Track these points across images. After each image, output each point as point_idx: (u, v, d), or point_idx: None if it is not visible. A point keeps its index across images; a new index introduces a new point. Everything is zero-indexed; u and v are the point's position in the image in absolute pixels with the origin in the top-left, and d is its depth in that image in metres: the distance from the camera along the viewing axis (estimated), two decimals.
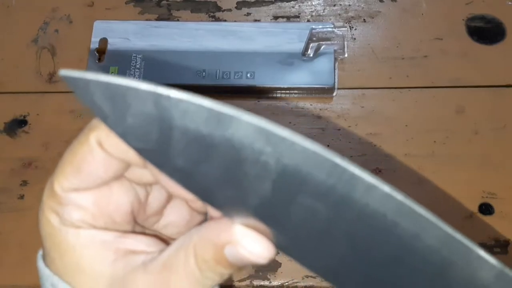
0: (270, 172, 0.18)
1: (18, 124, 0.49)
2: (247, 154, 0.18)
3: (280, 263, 0.44)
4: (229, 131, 0.17)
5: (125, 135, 0.19)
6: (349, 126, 0.47)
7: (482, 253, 0.20)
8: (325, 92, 0.47)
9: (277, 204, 0.19)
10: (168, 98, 0.17)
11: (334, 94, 0.48)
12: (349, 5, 0.52)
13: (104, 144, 0.22)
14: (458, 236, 0.19)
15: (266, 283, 0.43)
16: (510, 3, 0.51)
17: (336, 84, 0.48)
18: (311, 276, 0.43)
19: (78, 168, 0.22)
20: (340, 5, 0.52)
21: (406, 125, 0.47)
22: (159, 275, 0.22)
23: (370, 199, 0.18)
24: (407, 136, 0.46)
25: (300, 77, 0.47)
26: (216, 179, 0.19)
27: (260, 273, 0.43)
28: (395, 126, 0.47)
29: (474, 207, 0.44)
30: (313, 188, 0.18)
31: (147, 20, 0.52)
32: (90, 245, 0.23)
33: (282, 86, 0.47)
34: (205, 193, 0.20)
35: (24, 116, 0.49)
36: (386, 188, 0.18)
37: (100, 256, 0.23)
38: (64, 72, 0.18)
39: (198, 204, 0.26)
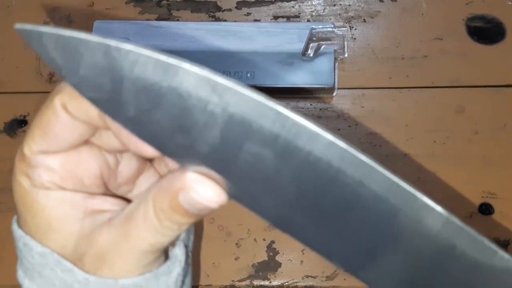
0: (217, 121, 0.18)
1: (18, 124, 0.49)
2: (194, 103, 0.18)
3: (280, 263, 0.44)
4: (176, 80, 0.18)
5: (79, 85, 0.19)
6: (349, 126, 0.47)
7: (427, 200, 0.20)
8: (325, 92, 0.47)
9: (226, 151, 0.19)
10: (118, 49, 0.18)
11: (334, 94, 0.48)
12: (349, 5, 0.52)
13: (68, 106, 0.22)
14: (403, 183, 0.20)
15: (266, 283, 0.43)
16: (510, 3, 0.51)
17: (336, 84, 0.48)
18: (311, 276, 0.43)
19: (44, 130, 0.23)
20: (340, 5, 0.52)
21: (406, 125, 0.47)
22: (122, 227, 0.23)
23: (314, 146, 0.19)
24: (407, 136, 0.46)
25: (300, 77, 0.47)
26: (166, 128, 0.19)
27: (260, 273, 0.44)
28: (395, 126, 0.47)
29: (474, 207, 0.44)
30: (259, 136, 0.19)
31: (147, 20, 0.52)
32: (60, 205, 0.24)
33: (282, 86, 0.47)
34: (157, 142, 0.20)
35: (24, 116, 0.49)
36: (329, 136, 0.19)
37: (69, 215, 0.24)
38: (19, 25, 0.18)
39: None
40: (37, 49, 0.19)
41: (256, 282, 0.43)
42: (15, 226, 0.26)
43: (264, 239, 0.44)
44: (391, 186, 0.20)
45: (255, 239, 0.44)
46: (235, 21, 0.51)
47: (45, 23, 0.52)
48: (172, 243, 0.26)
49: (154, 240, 0.23)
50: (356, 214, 0.20)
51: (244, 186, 0.21)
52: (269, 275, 0.43)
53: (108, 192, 0.26)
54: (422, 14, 0.51)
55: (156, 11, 0.52)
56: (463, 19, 0.50)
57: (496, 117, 0.47)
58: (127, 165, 0.26)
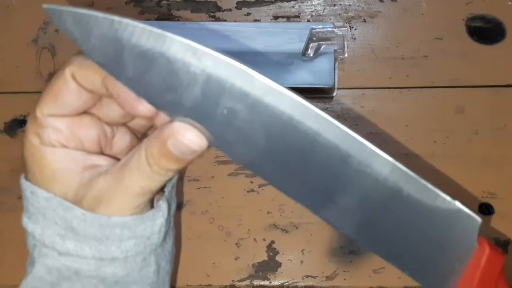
0: (198, 80, 0.23)
1: (18, 124, 0.49)
2: (180, 66, 0.23)
3: (280, 263, 0.44)
4: (164, 47, 0.23)
5: (90, 52, 0.24)
6: (349, 126, 0.47)
7: (375, 148, 0.25)
8: (325, 92, 0.47)
9: (206, 106, 0.24)
10: (119, 23, 0.24)
11: (334, 94, 0.48)
12: (349, 5, 0.52)
13: (76, 76, 0.27)
14: (353, 133, 0.25)
15: (266, 283, 0.43)
16: (510, 3, 0.51)
17: (336, 84, 0.48)
18: (311, 276, 0.43)
19: (55, 96, 0.28)
20: (340, 5, 0.52)
21: (406, 125, 0.47)
22: (117, 173, 0.28)
23: (278, 103, 0.24)
24: (407, 136, 0.46)
25: (300, 77, 0.47)
26: (158, 86, 0.24)
27: (260, 273, 0.44)
28: (395, 126, 0.47)
29: (474, 207, 0.44)
30: (232, 93, 0.23)
31: (147, 20, 0.52)
32: (63, 160, 0.28)
33: (282, 86, 0.47)
34: (151, 98, 0.25)
35: (24, 116, 0.49)
36: (290, 93, 0.24)
37: (70, 168, 0.28)
38: (46, 6, 0.24)
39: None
40: (58, 24, 0.24)
41: (256, 282, 0.43)
42: (22, 180, 0.30)
43: (264, 239, 0.44)
44: (342, 136, 0.24)
45: (255, 239, 0.44)
46: (235, 21, 0.51)
47: (45, 22, 0.52)
48: (158, 197, 0.31)
49: (144, 184, 0.27)
50: (314, 160, 0.24)
51: (221, 135, 0.25)
52: (269, 275, 0.43)
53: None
54: (422, 14, 0.51)
55: (156, 11, 0.52)
56: (463, 19, 0.50)
57: (496, 117, 0.47)
58: (121, 139, 0.31)
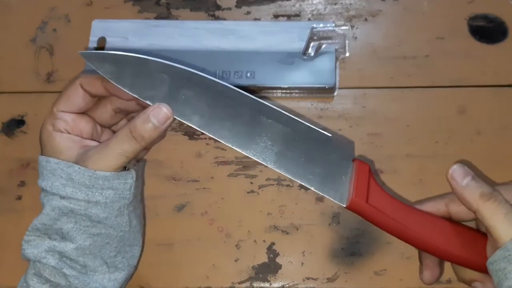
0: (165, 81, 0.38)
1: (16, 124, 0.49)
2: (155, 73, 0.38)
3: (281, 265, 0.43)
4: (146, 64, 0.38)
5: (105, 73, 0.38)
6: (350, 126, 0.47)
7: (277, 109, 0.38)
8: (326, 91, 0.47)
9: (172, 95, 0.38)
10: (120, 55, 0.39)
11: (335, 93, 0.47)
12: (351, 4, 0.51)
13: (83, 85, 0.40)
14: (262, 101, 0.38)
15: (266, 285, 0.43)
16: None
17: (337, 83, 0.47)
18: (311, 278, 0.43)
19: (67, 98, 0.41)
20: (341, 3, 0.51)
21: (408, 125, 0.46)
22: (105, 142, 0.40)
23: (212, 86, 0.38)
24: (408, 136, 0.46)
25: (300, 76, 0.46)
26: (144, 87, 0.39)
27: (260, 275, 0.43)
28: (396, 126, 0.46)
29: None
30: (184, 86, 0.38)
31: (146, 19, 0.51)
32: (67, 141, 0.40)
33: (282, 85, 0.47)
34: (140, 94, 0.38)
35: (22, 116, 0.49)
36: (218, 81, 0.38)
37: (72, 146, 0.40)
38: (81, 52, 0.39)
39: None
40: (89, 62, 0.39)
41: (256, 284, 0.43)
42: (40, 156, 0.41)
43: (264, 241, 0.44)
44: (255, 103, 0.38)
45: (255, 241, 0.44)
46: (235, 20, 0.51)
47: (44, 22, 0.52)
48: (128, 167, 0.41)
49: (124, 147, 0.38)
50: (238, 117, 0.38)
51: (182, 111, 0.38)
52: (269, 277, 0.43)
53: None
54: (424, 13, 0.50)
55: (155, 10, 0.52)
56: (465, 18, 0.50)
57: (498, 117, 0.46)
58: (106, 136, 0.43)
